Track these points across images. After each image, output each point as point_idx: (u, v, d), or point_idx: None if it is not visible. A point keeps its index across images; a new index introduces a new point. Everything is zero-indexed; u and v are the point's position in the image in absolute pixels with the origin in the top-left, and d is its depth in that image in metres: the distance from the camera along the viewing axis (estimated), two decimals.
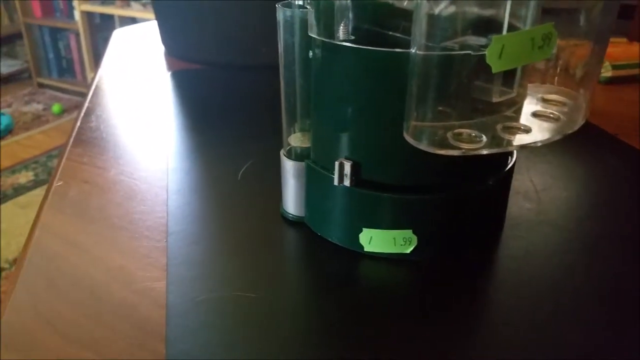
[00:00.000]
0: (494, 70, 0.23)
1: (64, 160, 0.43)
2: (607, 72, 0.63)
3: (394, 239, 0.31)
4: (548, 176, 0.41)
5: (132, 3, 2.57)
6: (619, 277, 0.30)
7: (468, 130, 0.27)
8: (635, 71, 0.64)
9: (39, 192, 2.02)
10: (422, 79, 0.26)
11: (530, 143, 0.26)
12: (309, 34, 0.30)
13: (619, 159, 0.44)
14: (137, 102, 0.56)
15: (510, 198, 0.37)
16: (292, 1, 0.31)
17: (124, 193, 0.38)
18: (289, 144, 0.34)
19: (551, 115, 0.29)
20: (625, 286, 0.29)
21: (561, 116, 0.29)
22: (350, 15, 0.29)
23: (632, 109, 0.56)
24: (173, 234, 0.33)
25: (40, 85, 3.02)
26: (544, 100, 0.32)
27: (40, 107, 2.79)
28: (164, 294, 0.28)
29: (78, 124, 0.50)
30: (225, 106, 0.55)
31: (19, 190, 2.01)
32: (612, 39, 0.70)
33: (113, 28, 2.87)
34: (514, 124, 0.28)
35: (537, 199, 0.38)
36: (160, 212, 0.36)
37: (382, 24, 0.32)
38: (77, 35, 2.80)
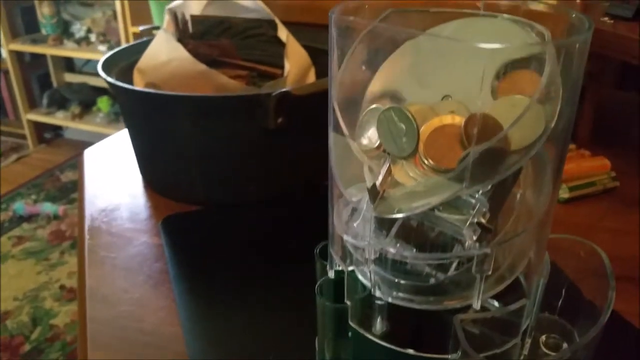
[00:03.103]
0: None
1: None
2: (564, 194, 0.69)
3: None
4: None
5: (66, 42, 2.48)
6: None
7: None
8: (593, 189, 0.69)
9: None
10: None
11: None
12: (349, 322, 0.33)
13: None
14: (135, 270, 0.57)
15: None
16: (329, 270, 0.35)
17: None
18: None
19: None
20: None
21: None
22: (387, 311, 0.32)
23: (591, 235, 0.60)
24: None
25: None
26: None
27: None
28: None
29: (87, 313, 0.51)
30: (224, 266, 0.57)
31: None
32: None
33: (46, 65, 2.76)
34: None
35: None
36: None
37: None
38: (7, 73, 2.68)
